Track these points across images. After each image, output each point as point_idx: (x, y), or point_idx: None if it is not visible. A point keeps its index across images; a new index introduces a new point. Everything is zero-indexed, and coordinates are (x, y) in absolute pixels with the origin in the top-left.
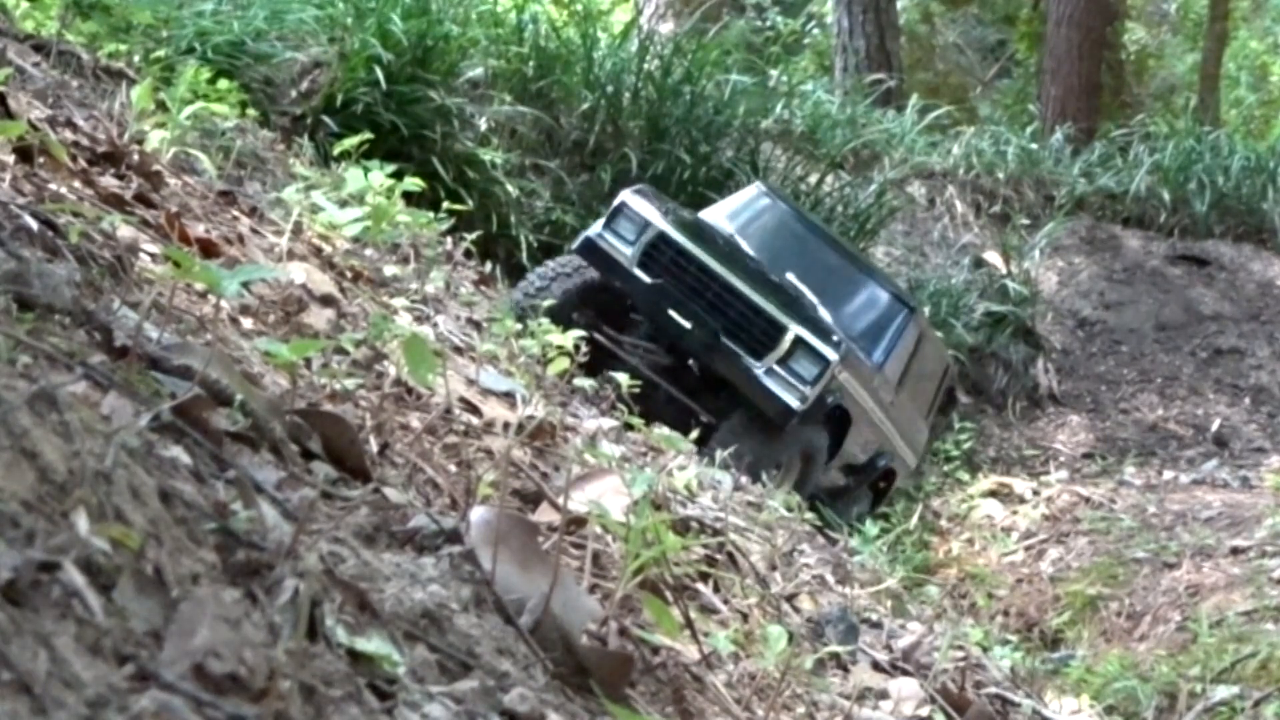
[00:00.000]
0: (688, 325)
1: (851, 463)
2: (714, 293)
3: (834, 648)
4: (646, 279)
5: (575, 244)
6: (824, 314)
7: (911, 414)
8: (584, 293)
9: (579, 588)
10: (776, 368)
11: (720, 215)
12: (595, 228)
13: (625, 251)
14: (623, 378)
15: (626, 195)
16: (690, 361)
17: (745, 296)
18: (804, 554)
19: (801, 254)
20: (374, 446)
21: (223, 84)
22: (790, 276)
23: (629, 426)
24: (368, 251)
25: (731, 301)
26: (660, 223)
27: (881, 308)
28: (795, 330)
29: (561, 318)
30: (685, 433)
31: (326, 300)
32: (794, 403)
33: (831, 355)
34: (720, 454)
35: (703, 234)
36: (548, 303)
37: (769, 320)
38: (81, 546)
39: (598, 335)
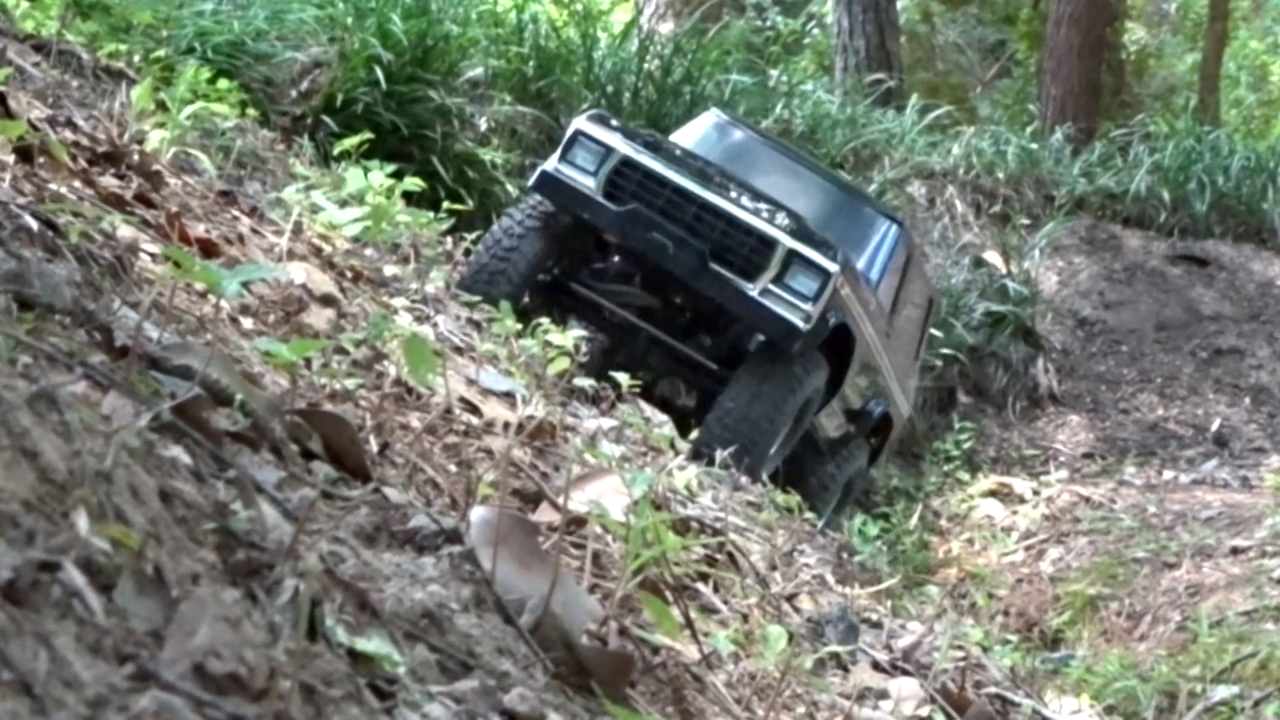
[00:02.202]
0: (670, 245)
1: (849, 406)
2: (692, 214)
3: (834, 648)
4: (616, 207)
5: (531, 181)
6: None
7: (904, 352)
8: (552, 243)
9: (579, 588)
10: (772, 287)
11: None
12: (551, 161)
13: (587, 183)
14: (623, 377)
15: (581, 122)
16: (678, 299)
17: (728, 214)
18: (804, 554)
19: (774, 176)
20: (374, 446)
21: (223, 84)
22: None
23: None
24: (368, 251)
25: (713, 221)
26: (623, 147)
27: (868, 224)
28: (787, 244)
29: (531, 278)
30: (672, 374)
31: (326, 300)
32: (799, 321)
33: (831, 267)
34: (717, 454)
35: (670, 154)
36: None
37: (758, 237)
38: (81, 546)
39: (574, 285)
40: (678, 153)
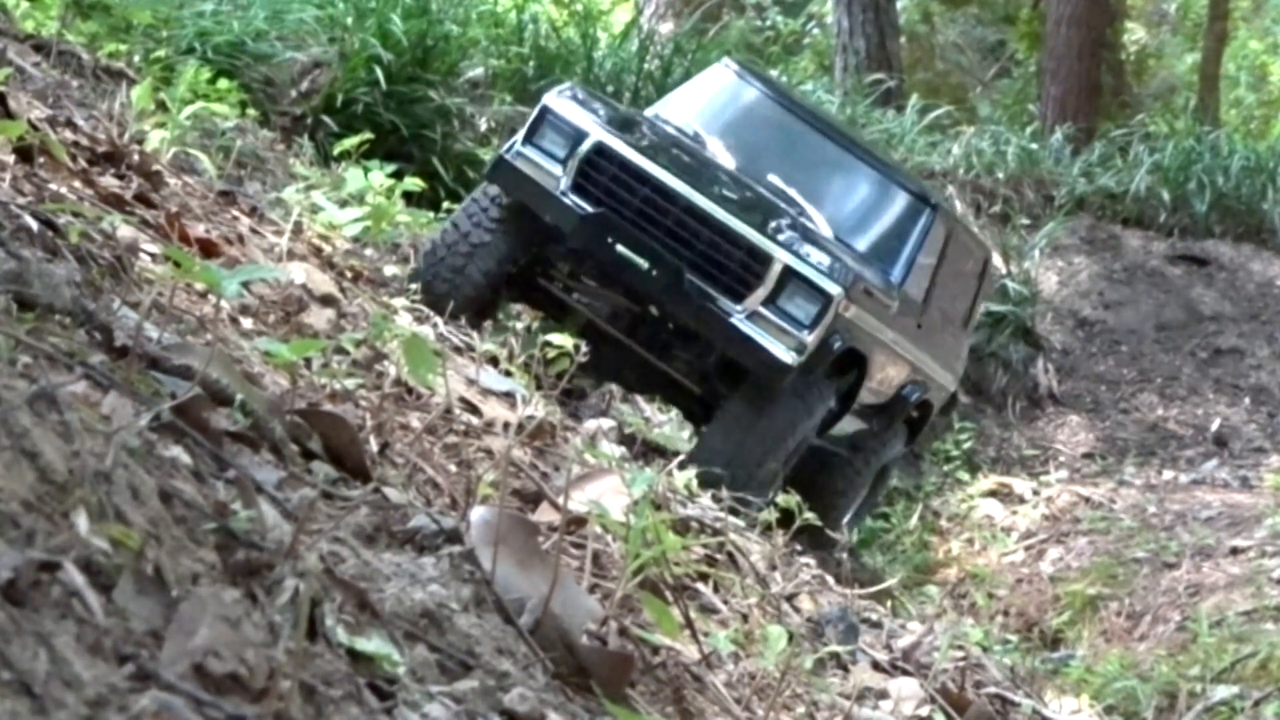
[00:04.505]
0: (644, 264)
1: (875, 403)
2: (674, 218)
3: (834, 648)
4: (584, 206)
5: (488, 168)
6: (822, 227)
7: (945, 329)
8: (521, 235)
9: (579, 588)
10: (763, 310)
11: (681, 106)
12: (513, 144)
13: (553, 171)
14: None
15: (550, 98)
16: (653, 309)
17: (716, 220)
18: (804, 553)
19: (787, 147)
20: (374, 446)
21: (223, 84)
22: (774, 178)
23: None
24: (368, 251)
25: (698, 228)
26: (598, 131)
27: (896, 211)
28: (784, 259)
29: (499, 276)
30: (652, 393)
31: (326, 300)
32: (786, 356)
33: (833, 289)
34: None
35: (655, 140)
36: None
37: (749, 249)
38: (81, 546)
39: (543, 282)
40: (665, 136)
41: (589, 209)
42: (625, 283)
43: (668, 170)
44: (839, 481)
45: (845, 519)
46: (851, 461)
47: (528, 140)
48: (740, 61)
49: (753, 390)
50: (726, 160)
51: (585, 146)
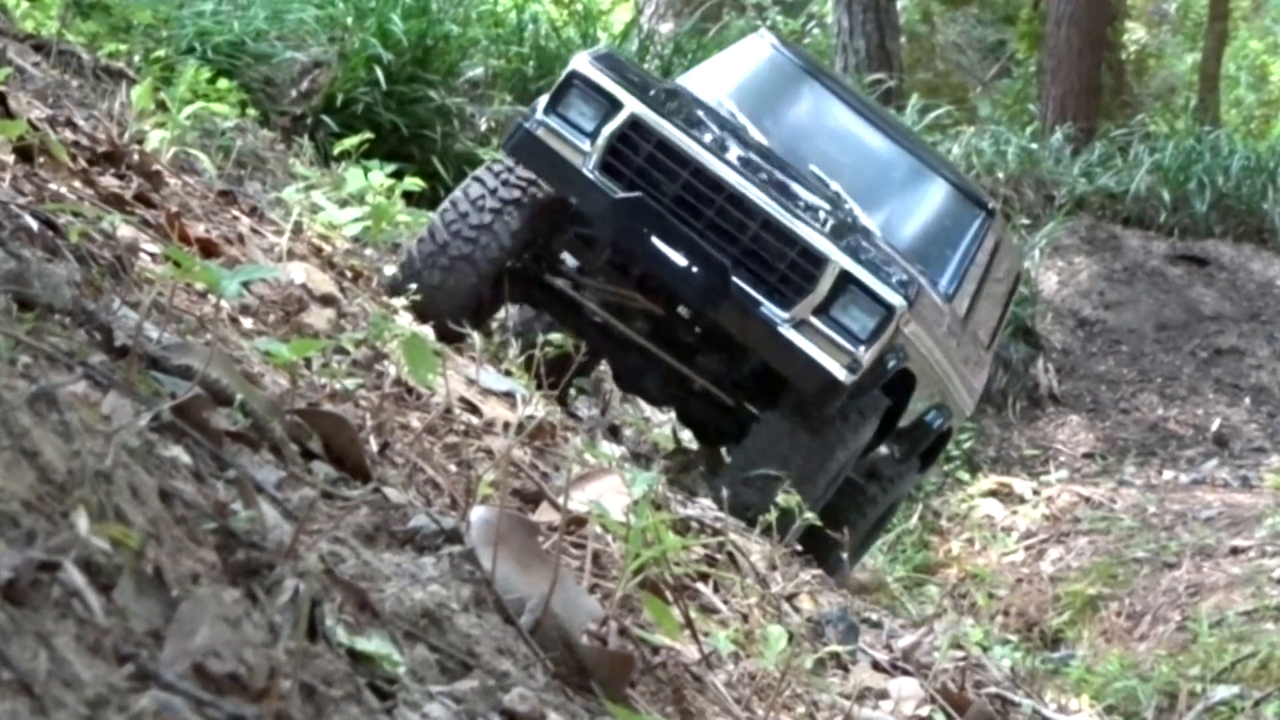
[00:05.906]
0: (682, 261)
1: (898, 427)
2: (717, 207)
3: (834, 648)
4: (614, 190)
5: (506, 138)
6: (872, 226)
7: (975, 350)
8: (534, 220)
9: (579, 588)
10: (813, 320)
11: (711, 79)
12: (536, 111)
13: (581, 146)
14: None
15: (580, 62)
16: (681, 309)
17: (765, 213)
18: (804, 553)
19: (829, 132)
20: (374, 446)
21: (223, 84)
22: (814, 167)
23: (615, 429)
24: (368, 251)
25: (744, 222)
26: (633, 103)
27: (948, 213)
28: (841, 263)
29: (503, 265)
30: (676, 406)
31: (326, 300)
32: (839, 373)
33: (896, 300)
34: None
35: (696, 118)
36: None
37: (802, 248)
38: (81, 546)
39: (549, 277)
40: (709, 113)
41: (620, 192)
42: (658, 280)
43: (712, 153)
44: (850, 512)
45: (844, 554)
46: (865, 489)
47: (551, 109)
48: (778, 34)
49: (792, 408)
50: (762, 143)
51: (618, 120)
